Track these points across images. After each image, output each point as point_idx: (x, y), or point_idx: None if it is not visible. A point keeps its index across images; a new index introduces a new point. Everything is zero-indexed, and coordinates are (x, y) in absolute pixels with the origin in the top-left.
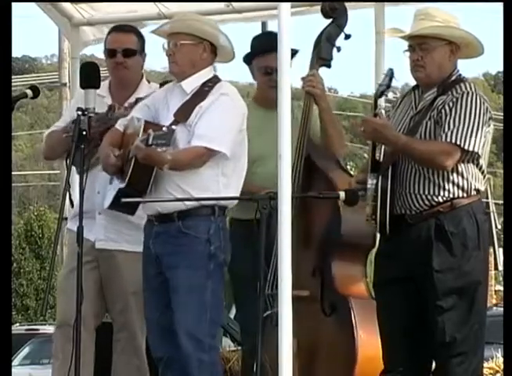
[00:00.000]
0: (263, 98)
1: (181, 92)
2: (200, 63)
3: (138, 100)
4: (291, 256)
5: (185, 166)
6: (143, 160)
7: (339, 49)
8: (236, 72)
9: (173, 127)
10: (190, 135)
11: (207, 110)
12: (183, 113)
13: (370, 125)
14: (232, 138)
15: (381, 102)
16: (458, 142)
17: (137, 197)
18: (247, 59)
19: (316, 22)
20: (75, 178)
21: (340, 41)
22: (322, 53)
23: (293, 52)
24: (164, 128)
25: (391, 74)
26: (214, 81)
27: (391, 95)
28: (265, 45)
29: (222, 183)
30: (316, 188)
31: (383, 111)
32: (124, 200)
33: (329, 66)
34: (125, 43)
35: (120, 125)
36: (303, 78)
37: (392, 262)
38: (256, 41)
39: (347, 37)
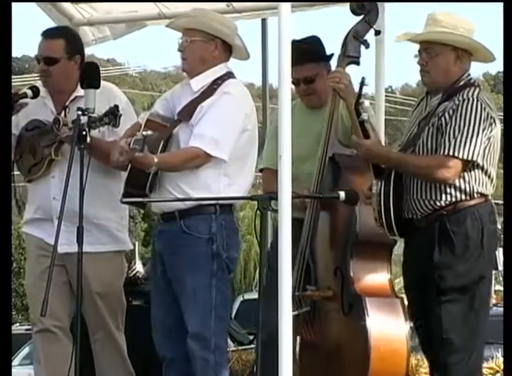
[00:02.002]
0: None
1: (190, 90)
2: (211, 60)
3: (77, 98)
4: (319, 256)
5: (177, 167)
6: (130, 162)
7: (367, 46)
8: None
9: (148, 132)
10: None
11: (208, 110)
12: (186, 113)
13: (361, 147)
14: (233, 139)
15: (363, 109)
16: (456, 154)
17: (137, 195)
18: None
19: (317, 21)
20: (34, 184)
21: (371, 38)
22: (348, 51)
23: (330, 56)
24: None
25: (361, 83)
26: (224, 78)
27: (367, 102)
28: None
29: (224, 183)
30: (339, 188)
31: (366, 117)
32: (124, 200)
33: (357, 63)
34: (47, 50)
35: (141, 119)
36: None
37: (407, 266)
38: None
39: (378, 33)
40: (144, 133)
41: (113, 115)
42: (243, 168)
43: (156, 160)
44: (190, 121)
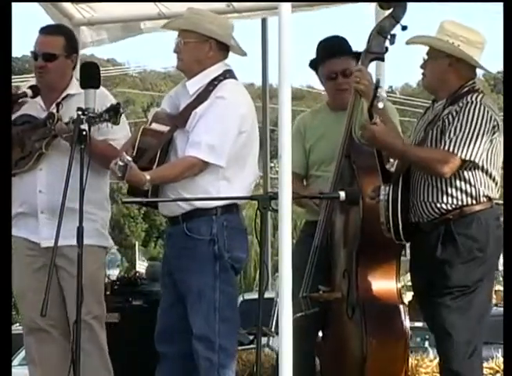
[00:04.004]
0: (331, 102)
1: (186, 93)
2: (207, 61)
3: (68, 96)
4: (333, 256)
5: (175, 179)
6: (122, 180)
7: (392, 42)
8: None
9: (129, 158)
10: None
11: (202, 116)
12: (182, 119)
13: (368, 132)
14: (229, 144)
15: (376, 112)
16: (455, 151)
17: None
18: (312, 66)
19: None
20: (20, 177)
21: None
22: (372, 47)
23: (359, 55)
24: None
25: (375, 85)
26: (221, 78)
27: (380, 104)
28: (326, 52)
29: (223, 187)
30: (354, 187)
31: (378, 121)
32: (124, 200)
33: (382, 59)
34: (47, 47)
35: (151, 115)
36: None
37: (413, 267)
38: (319, 47)
39: (404, 28)
40: (125, 160)
41: (114, 112)
42: (243, 170)
43: (148, 177)
44: (186, 127)
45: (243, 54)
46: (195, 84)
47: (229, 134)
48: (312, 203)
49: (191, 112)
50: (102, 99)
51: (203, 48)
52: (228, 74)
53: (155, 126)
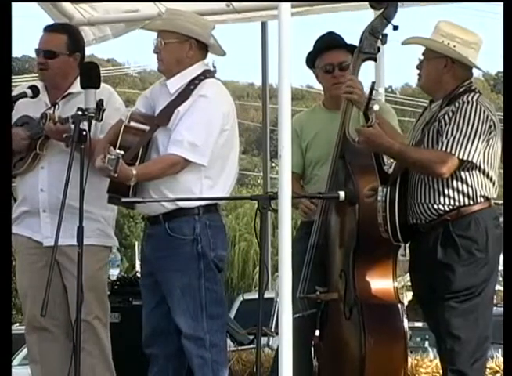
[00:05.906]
0: (327, 99)
1: (166, 92)
2: (187, 60)
3: (69, 95)
4: (329, 257)
5: (157, 176)
6: (113, 175)
7: (384, 42)
8: (235, 72)
9: (121, 152)
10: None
11: (185, 114)
12: (164, 117)
13: (363, 135)
14: (212, 142)
15: (372, 114)
16: (453, 152)
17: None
18: (309, 63)
19: (316, 23)
20: (23, 176)
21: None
22: (364, 47)
23: (353, 49)
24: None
25: (371, 87)
26: (201, 78)
27: (376, 107)
28: (322, 45)
29: (205, 185)
30: (349, 187)
31: (374, 122)
32: (124, 200)
33: (374, 59)
34: (48, 44)
35: (124, 116)
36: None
37: (413, 269)
38: (316, 42)
39: (395, 28)
40: (115, 153)
41: (96, 109)
42: (224, 168)
43: (134, 172)
44: (168, 126)
45: (223, 53)
46: (175, 83)
47: (212, 133)
48: (301, 211)
49: (173, 110)
50: (107, 97)
51: (184, 47)
52: (207, 73)
53: (136, 124)
